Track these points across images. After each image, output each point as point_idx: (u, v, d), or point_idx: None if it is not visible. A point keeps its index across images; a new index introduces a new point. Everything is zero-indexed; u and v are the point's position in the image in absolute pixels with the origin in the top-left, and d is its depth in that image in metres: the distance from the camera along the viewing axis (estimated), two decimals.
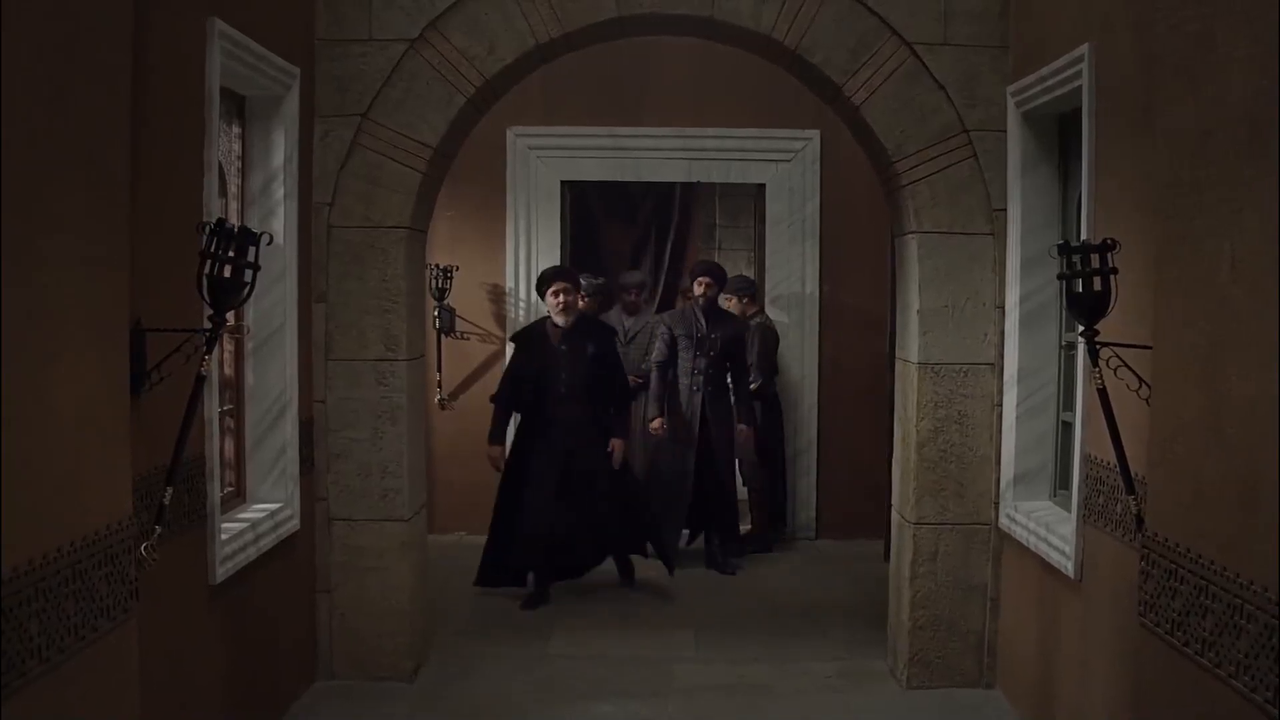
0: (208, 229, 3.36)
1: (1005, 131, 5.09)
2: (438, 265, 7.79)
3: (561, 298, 6.60)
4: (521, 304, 8.10)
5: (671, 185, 9.01)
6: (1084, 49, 4.27)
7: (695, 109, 8.04)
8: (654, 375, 7.46)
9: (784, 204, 8.16)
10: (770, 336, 7.81)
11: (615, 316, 8.16)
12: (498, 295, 8.17)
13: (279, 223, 4.69)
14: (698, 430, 7.35)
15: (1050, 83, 4.63)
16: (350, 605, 5.23)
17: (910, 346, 5.29)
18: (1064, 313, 4.78)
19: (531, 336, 6.76)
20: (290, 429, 4.77)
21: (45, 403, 2.50)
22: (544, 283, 6.73)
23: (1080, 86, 4.33)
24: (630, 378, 7.44)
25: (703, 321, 7.41)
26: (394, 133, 5.10)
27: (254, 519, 4.49)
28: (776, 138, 8.07)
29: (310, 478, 5.07)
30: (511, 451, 6.70)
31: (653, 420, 7.38)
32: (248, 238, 3.41)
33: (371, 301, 5.13)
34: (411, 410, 5.27)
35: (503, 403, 6.77)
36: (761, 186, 8.29)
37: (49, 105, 2.52)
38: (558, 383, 6.56)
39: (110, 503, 2.81)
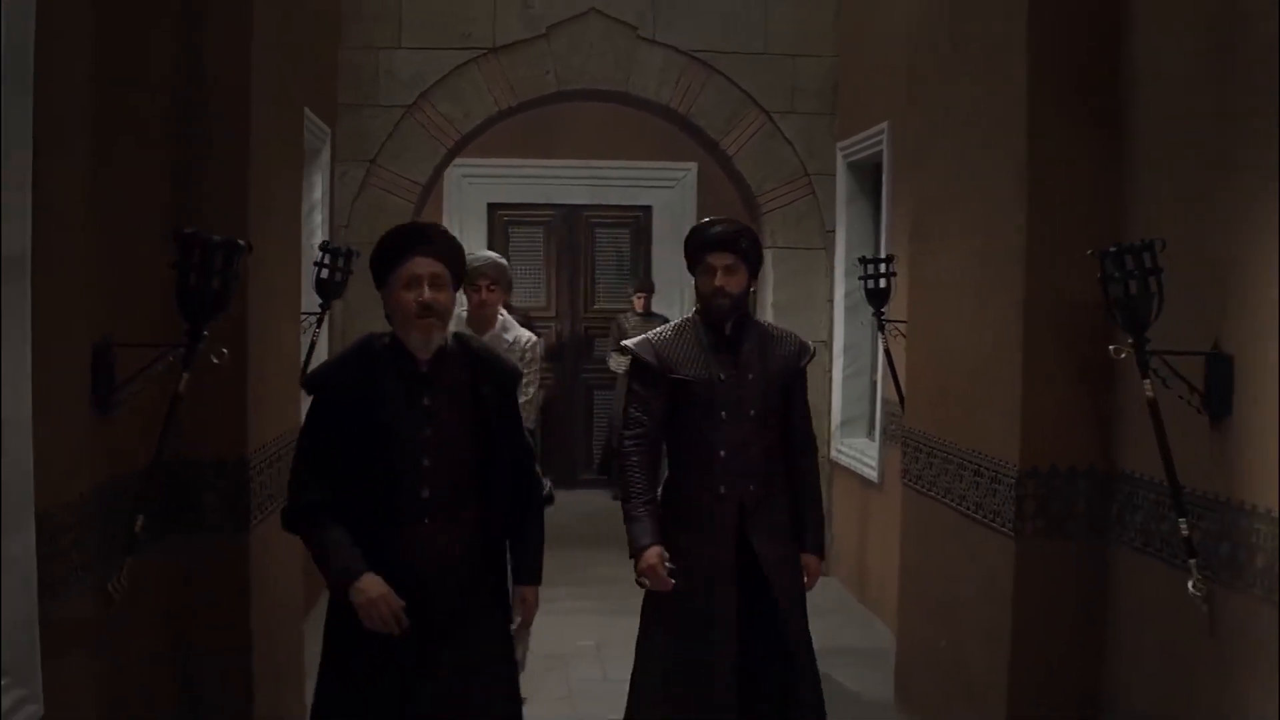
0: (321, 247, 5.16)
1: (835, 176, 7.15)
2: None
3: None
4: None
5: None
6: (884, 125, 6.34)
7: (597, 143, 9.82)
8: (633, 459, 3.72)
9: (668, 223, 10.03)
10: None
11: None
12: None
13: (318, 241, 6.45)
14: (733, 572, 3.66)
15: (865, 144, 6.70)
16: None
17: None
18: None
19: (350, 380, 3.27)
20: None
21: (277, 349, 4.30)
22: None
23: (882, 150, 6.41)
24: None
25: (727, 349, 3.81)
26: (394, 175, 6.91)
27: None
28: (662, 168, 9.90)
29: None
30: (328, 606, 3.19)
31: (646, 552, 3.63)
32: (345, 253, 5.21)
33: (375, 299, 6.87)
34: None
35: (304, 509, 3.18)
36: (649, 208, 10.20)
37: (279, 177, 4.34)
38: (413, 467, 3.11)
39: (299, 413, 4.61)
